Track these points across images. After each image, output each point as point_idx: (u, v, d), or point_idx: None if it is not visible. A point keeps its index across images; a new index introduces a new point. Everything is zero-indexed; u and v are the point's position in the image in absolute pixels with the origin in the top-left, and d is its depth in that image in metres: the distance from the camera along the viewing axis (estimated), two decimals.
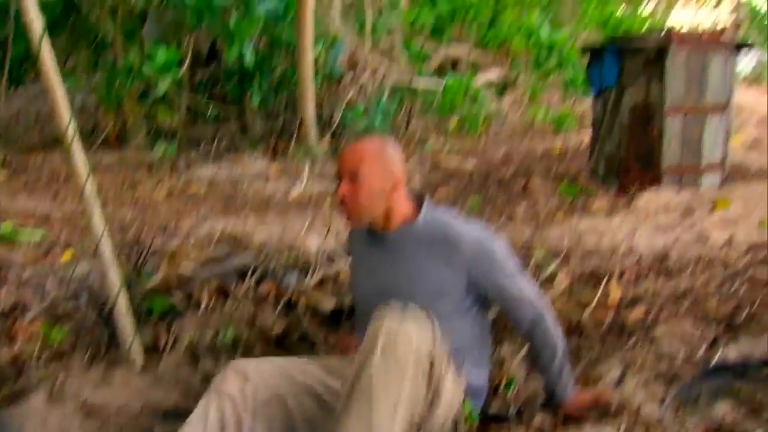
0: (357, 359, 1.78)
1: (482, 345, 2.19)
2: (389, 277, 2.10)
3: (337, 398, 1.90)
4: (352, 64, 8.70)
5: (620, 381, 2.32)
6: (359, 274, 2.28)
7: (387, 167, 2.04)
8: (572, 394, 2.17)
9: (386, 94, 8.73)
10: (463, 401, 1.98)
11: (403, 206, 2.10)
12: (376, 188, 2.02)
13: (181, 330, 2.68)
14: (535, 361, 2.21)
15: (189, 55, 7.65)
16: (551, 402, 2.19)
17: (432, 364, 1.80)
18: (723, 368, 2.25)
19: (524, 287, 2.12)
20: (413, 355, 1.74)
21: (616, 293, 3.13)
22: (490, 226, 4.53)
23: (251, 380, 1.95)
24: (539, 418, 2.19)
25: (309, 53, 7.50)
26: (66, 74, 7.86)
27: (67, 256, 3.80)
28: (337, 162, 2.10)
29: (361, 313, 2.25)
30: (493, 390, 2.39)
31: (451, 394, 1.89)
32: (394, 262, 2.10)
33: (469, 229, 2.10)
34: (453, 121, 9.32)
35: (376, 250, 2.15)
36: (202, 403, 1.93)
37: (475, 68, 11.90)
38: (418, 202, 2.14)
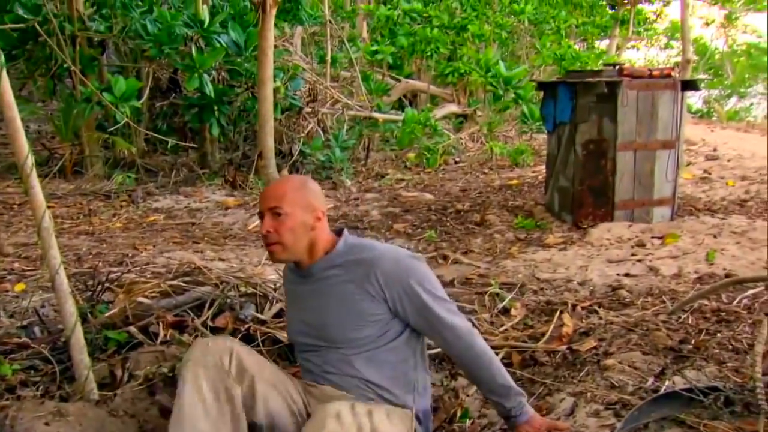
0: None
1: (417, 371, 2.19)
2: (316, 307, 2.15)
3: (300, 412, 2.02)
4: (312, 97, 8.77)
5: (572, 411, 2.36)
6: (292, 311, 2.33)
7: (308, 201, 2.11)
8: (528, 414, 2.14)
9: (345, 126, 8.80)
10: None
11: (324, 239, 2.16)
12: (299, 222, 2.08)
13: (137, 363, 2.65)
14: (480, 382, 2.19)
15: (148, 85, 7.63)
16: (510, 425, 2.17)
17: None
18: (671, 396, 2.30)
19: (450, 307, 2.14)
20: None
21: (569, 324, 3.19)
22: (446, 257, 4.61)
23: (234, 355, 1.99)
24: None
25: (269, 85, 7.54)
26: (22, 102, 7.75)
27: (19, 287, 3.74)
28: (259, 200, 2.16)
29: (297, 350, 2.30)
30: (448, 420, 2.41)
31: None
32: (319, 292, 2.15)
33: (388, 249, 2.17)
34: (412, 154, 9.42)
35: (303, 285, 2.21)
36: (188, 376, 1.94)
37: (434, 102, 12.09)
38: (339, 235, 2.20)
